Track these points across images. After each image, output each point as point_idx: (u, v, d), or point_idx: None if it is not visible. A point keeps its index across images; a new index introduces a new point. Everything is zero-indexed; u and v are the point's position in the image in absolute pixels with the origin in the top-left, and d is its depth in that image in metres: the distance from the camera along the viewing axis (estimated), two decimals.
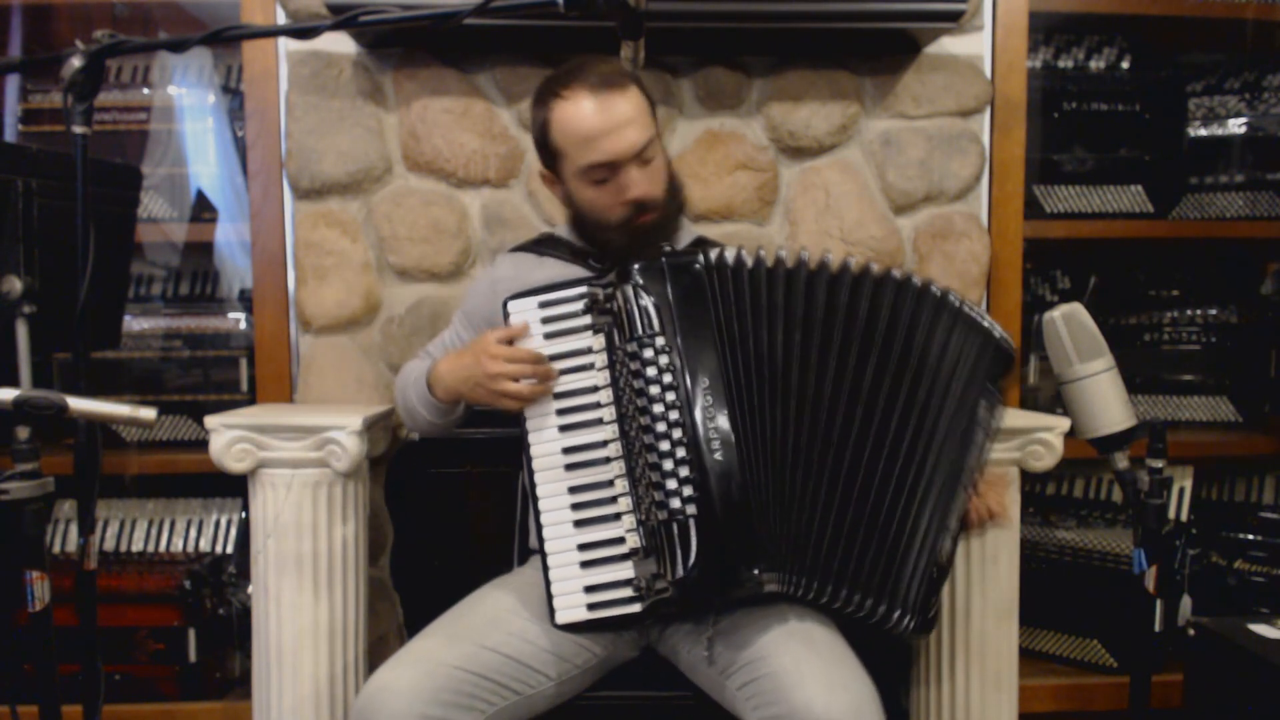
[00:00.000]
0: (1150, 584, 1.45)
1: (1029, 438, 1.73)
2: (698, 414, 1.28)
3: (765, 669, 1.26)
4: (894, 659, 1.85)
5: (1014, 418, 1.78)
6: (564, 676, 1.37)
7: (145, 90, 2.16)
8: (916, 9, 1.81)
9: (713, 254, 1.33)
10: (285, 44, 1.98)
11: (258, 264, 2.02)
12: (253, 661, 1.71)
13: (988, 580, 1.72)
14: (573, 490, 1.35)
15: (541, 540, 1.36)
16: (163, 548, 2.13)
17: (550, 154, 1.50)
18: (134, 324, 2.16)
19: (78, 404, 1.11)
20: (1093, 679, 2.12)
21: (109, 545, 2.13)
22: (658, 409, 1.28)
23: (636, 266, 1.31)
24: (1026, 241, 2.12)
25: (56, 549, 2.12)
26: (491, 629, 1.34)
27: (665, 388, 1.28)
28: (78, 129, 1.16)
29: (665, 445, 1.27)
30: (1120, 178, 2.25)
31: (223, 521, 2.16)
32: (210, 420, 1.65)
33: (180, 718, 2.00)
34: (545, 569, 1.36)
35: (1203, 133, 2.32)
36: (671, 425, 1.28)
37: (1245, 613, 2.00)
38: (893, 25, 1.84)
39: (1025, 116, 2.08)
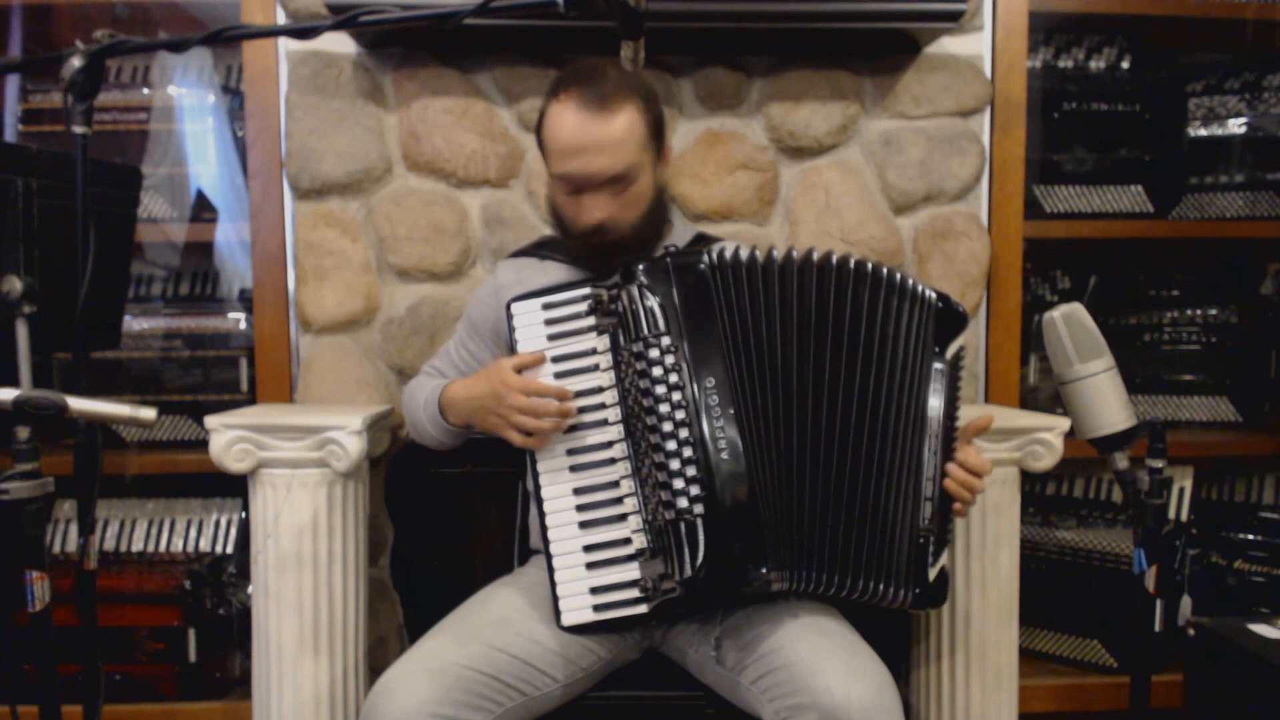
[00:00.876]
0: (1150, 584, 1.45)
1: (1029, 438, 1.73)
2: (703, 414, 1.28)
3: (781, 660, 1.26)
4: (894, 658, 1.85)
5: (1014, 418, 1.78)
6: (570, 679, 1.37)
7: (145, 90, 2.16)
8: (916, 9, 1.81)
9: (716, 252, 1.33)
10: (285, 44, 1.98)
11: (258, 264, 2.02)
12: (253, 661, 1.71)
13: (988, 580, 1.72)
14: (578, 491, 1.36)
15: (546, 541, 1.36)
16: (163, 548, 2.13)
17: (540, 148, 1.52)
18: (134, 324, 2.16)
19: (78, 404, 1.11)
20: (1092, 679, 2.12)
21: (109, 545, 2.13)
22: (664, 409, 1.28)
23: (641, 267, 1.31)
24: (1026, 241, 2.12)
25: (56, 549, 2.12)
26: (500, 629, 1.34)
27: (671, 388, 1.28)
28: (78, 129, 1.16)
29: (672, 445, 1.27)
30: (1120, 178, 2.25)
31: (223, 521, 2.16)
32: (210, 420, 1.65)
33: (180, 718, 2.00)
34: (550, 570, 1.36)
35: (1203, 133, 2.32)
36: (678, 425, 1.28)
37: (1245, 613, 2.00)
38: (893, 25, 1.84)
39: (1025, 116, 2.08)
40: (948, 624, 1.74)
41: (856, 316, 1.32)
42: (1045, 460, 1.73)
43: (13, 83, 2.16)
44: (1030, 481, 2.29)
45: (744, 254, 1.33)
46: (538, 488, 1.37)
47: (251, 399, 2.13)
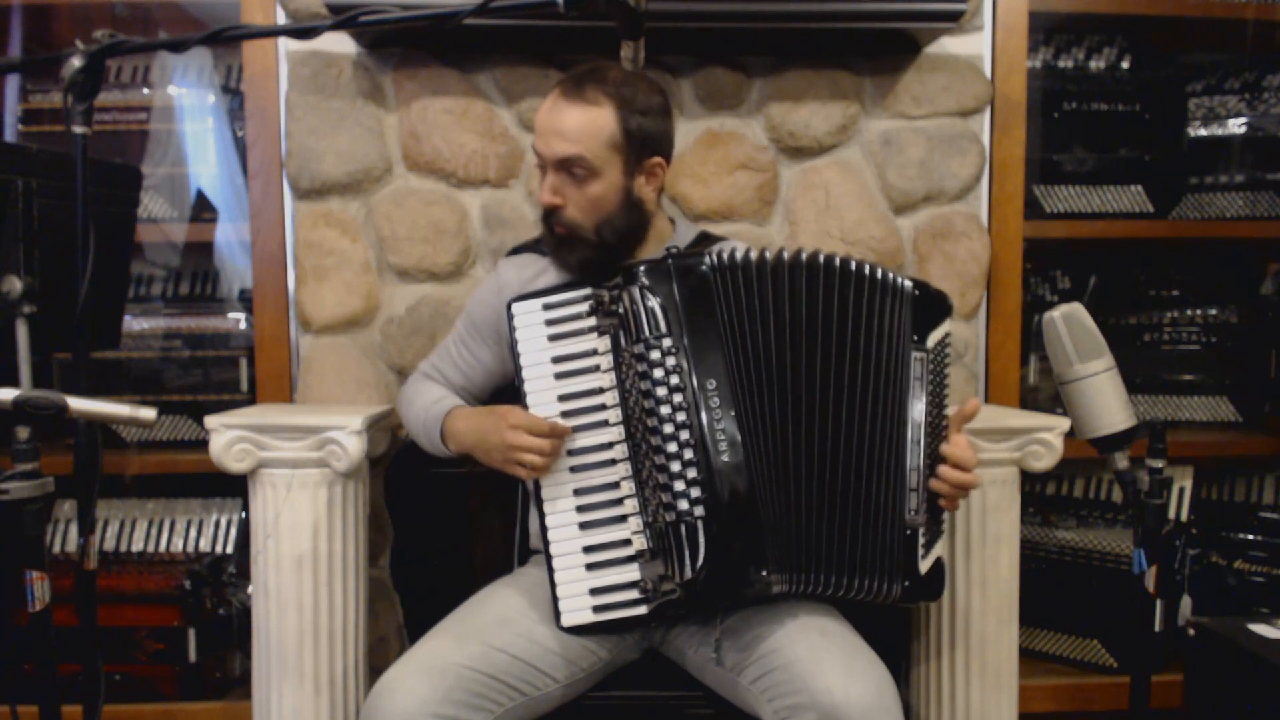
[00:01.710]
0: (1150, 584, 1.45)
1: (1029, 438, 1.72)
2: (704, 415, 1.28)
3: (780, 660, 1.26)
4: (894, 657, 1.85)
5: (1014, 418, 1.78)
6: (570, 679, 1.37)
7: (145, 90, 2.16)
8: (916, 9, 1.81)
9: (717, 253, 1.34)
10: (285, 44, 1.98)
11: (258, 264, 2.02)
12: (253, 661, 1.71)
13: (988, 580, 1.72)
14: (578, 492, 1.36)
15: (546, 542, 1.36)
16: (163, 548, 2.13)
17: None
18: (134, 324, 2.16)
19: (78, 404, 1.11)
20: (1093, 679, 2.12)
21: (109, 545, 2.13)
22: (665, 410, 1.28)
23: (642, 268, 1.32)
24: (1026, 241, 2.12)
25: (56, 549, 2.12)
26: (500, 629, 1.34)
27: (672, 389, 1.28)
28: (78, 129, 1.16)
29: (673, 447, 1.28)
30: (1120, 178, 2.25)
31: (223, 521, 2.16)
32: (210, 420, 1.65)
33: (180, 718, 2.00)
34: (550, 571, 1.36)
35: (1203, 133, 2.32)
36: (679, 427, 1.28)
37: (1245, 613, 2.00)
38: (893, 25, 1.84)
39: (1025, 116, 2.08)
40: (948, 623, 1.74)
41: (840, 313, 1.32)
42: (1045, 460, 1.73)
43: (13, 83, 2.16)
44: (1030, 481, 2.29)
45: (741, 255, 1.34)
46: (538, 488, 1.38)
47: (251, 399, 2.13)
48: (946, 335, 1.38)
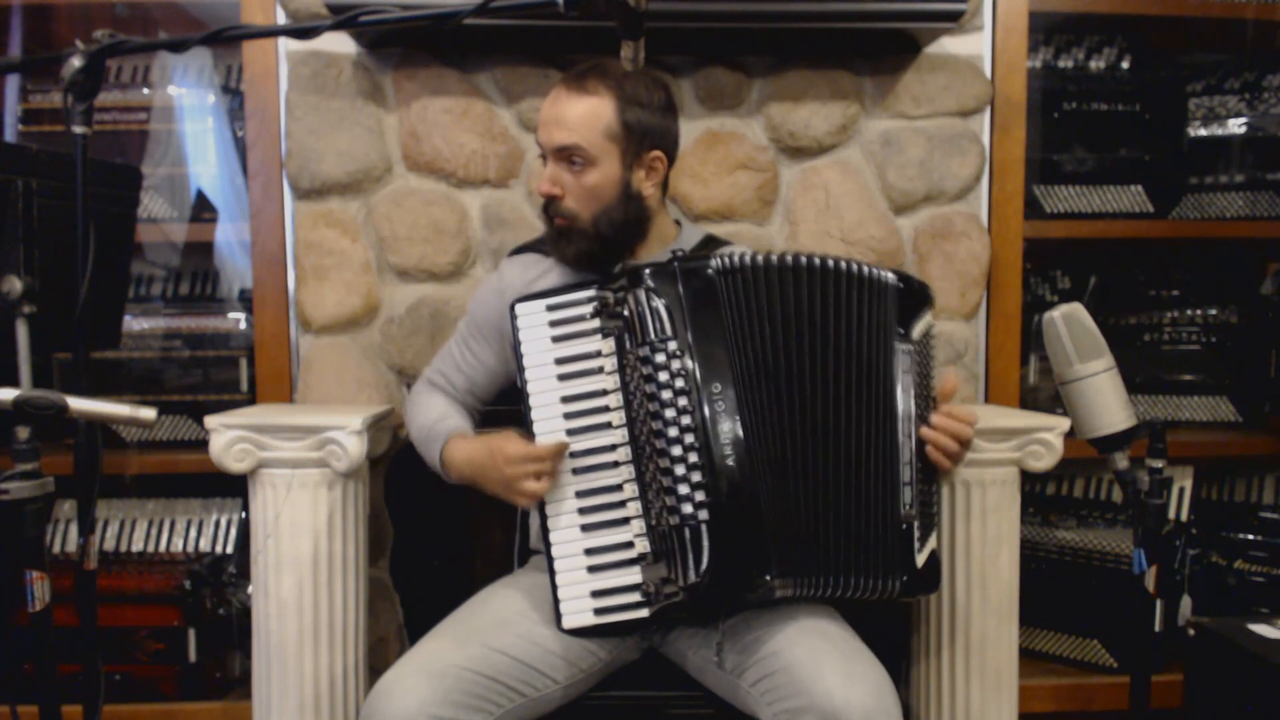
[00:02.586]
0: (1150, 584, 1.44)
1: (1029, 438, 1.73)
2: (709, 418, 1.28)
3: (780, 663, 1.26)
4: (893, 658, 1.85)
5: (1014, 418, 1.78)
6: (570, 680, 1.37)
7: (145, 90, 2.16)
8: (916, 9, 1.81)
9: (724, 256, 1.34)
10: (285, 44, 1.98)
11: (258, 264, 2.02)
12: (253, 661, 1.71)
13: (988, 580, 1.72)
14: (580, 494, 1.35)
15: (548, 544, 1.36)
16: (163, 548, 2.13)
17: None
18: (134, 324, 2.16)
19: (78, 404, 1.11)
20: (1093, 679, 2.12)
21: (109, 545, 2.13)
22: (670, 414, 1.28)
23: (648, 270, 1.32)
24: (1026, 241, 2.12)
25: (56, 549, 2.12)
26: (500, 630, 1.34)
27: (678, 392, 1.29)
28: (78, 129, 1.16)
29: (677, 450, 1.28)
30: (1120, 178, 2.25)
31: (223, 521, 2.16)
32: (210, 420, 1.65)
33: (180, 718, 2.00)
34: (551, 573, 1.36)
35: (1203, 133, 2.32)
36: (684, 430, 1.28)
37: (1245, 613, 2.00)
38: (893, 25, 1.84)
39: (1025, 116, 2.08)
40: (948, 623, 1.74)
41: (826, 312, 1.33)
42: (1045, 460, 1.73)
43: (13, 83, 2.16)
44: (1030, 481, 2.29)
45: (742, 259, 1.34)
46: None
47: (251, 399, 2.13)
48: (931, 325, 1.38)
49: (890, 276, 1.35)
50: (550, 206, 1.50)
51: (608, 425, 1.35)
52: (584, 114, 1.44)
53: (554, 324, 1.37)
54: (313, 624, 1.66)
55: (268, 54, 1.98)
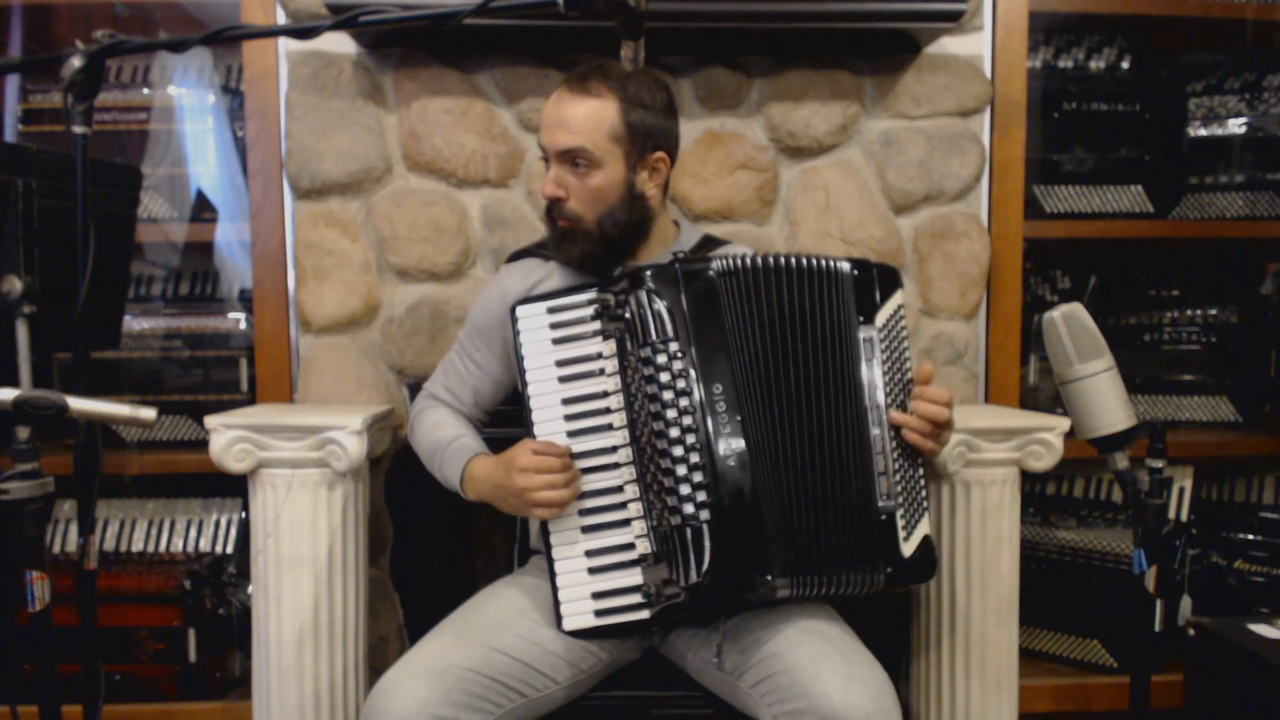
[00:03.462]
0: (1150, 584, 1.45)
1: (1029, 438, 1.73)
2: (710, 419, 1.28)
3: (780, 665, 1.26)
4: (893, 658, 1.85)
5: (1014, 418, 1.78)
6: (570, 680, 1.37)
7: (145, 90, 2.16)
8: (916, 9, 1.81)
9: (725, 259, 1.34)
10: (285, 44, 1.98)
11: (258, 264, 2.02)
12: (253, 661, 1.71)
13: (988, 580, 1.72)
14: (581, 496, 1.35)
15: (548, 546, 1.36)
16: (163, 548, 2.13)
17: None
18: (134, 324, 2.16)
19: (78, 404, 1.11)
20: (1093, 679, 2.12)
21: (109, 545, 2.13)
22: (671, 414, 1.28)
23: (649, 272, 1.32)
24: (1026, 241, 2.12)
25: (56, 549, 2.12)
26: (501, 630, 1.34)
27: (679, 393, 1.29)
28: (78, 129, 1.16)
29: (679, 450, 1.28)
30: (1120, 178, 2.25)
31: (223, 521, 2.16)
32: (210, 420, 1.65)
33: (180, 718, 2.00)
34: (552, 575, 1.36)
35: (1203, 133, 2.32)
36: (685, 431, 1.28)
37: (1245, 613, 2.00)
38: (893, 25, 1.84)
39: (1025, 116, 2.08)
40: (948, 623, 1.74)
41: (804, 310, 1.34)
42: (1045, 460, 1.73)
43: (13, 83, 2.16)
44: (1030, 481, 2.29)
45: (742, 261, 1.34)
46: None
47: (251, 399, 2.13)
48: (899, 309, 1.37)
49: (843, 265, 1.35)
50: (554, 209, 1.50)
51: (608, 427, 1.35)
52: (587, 115, 1.44)
53: (555, 326, 1.38)
54: (313, 624, 1.66)
55: (268, 54, 1.98)
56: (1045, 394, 2.29)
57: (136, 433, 2.17)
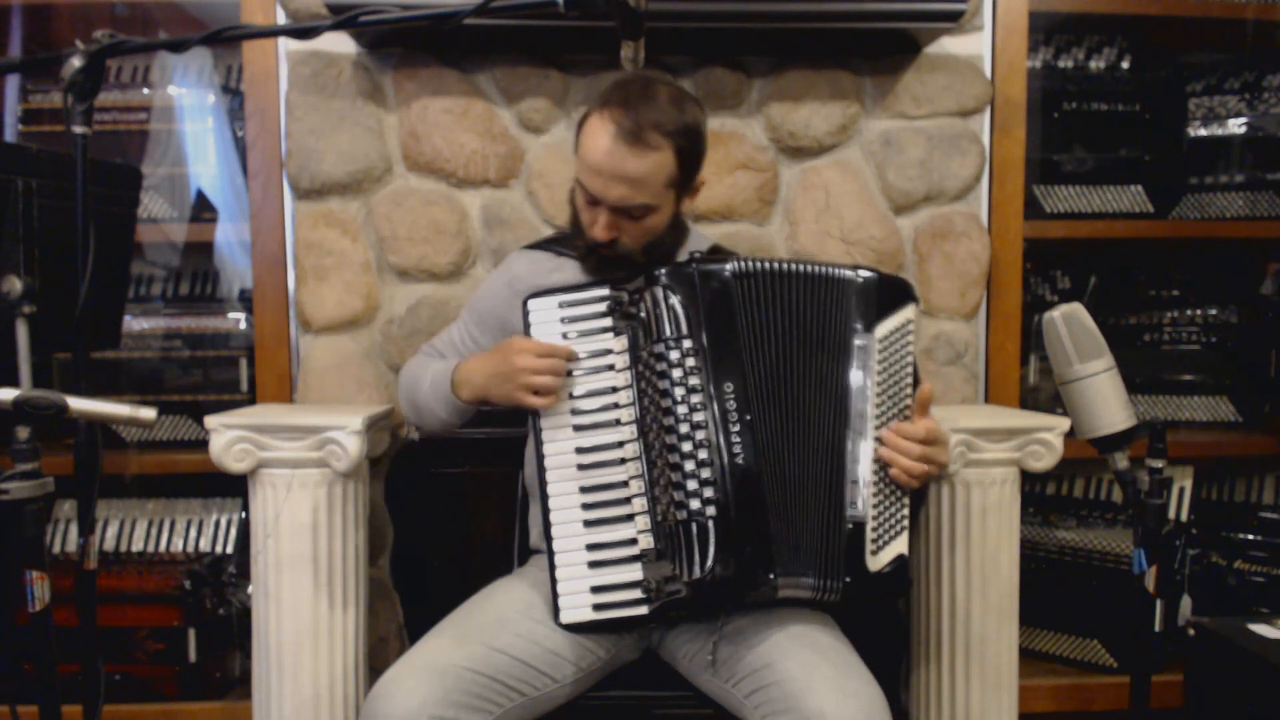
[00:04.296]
0: (1150, 584, 1.44)
1: (1029, 438, 1.73)
2: (720, 418, 1.29)
3: (773, 676, 1.26)
4: (893, 659, 1.85)
5: (1014, 418, 1.78)
6: (569, 679, 1.37)
7: (145, 90, 2.16)
8: (916, 9, 1.81)
9: (741, 260, 1.35)
10: (285, 44, 1.98)
11: (258, 264, 2.02)
12: (253, 661, 1.71)
13: (988, 580, 1.72)
14: (584, 490, 1.36)
15: (549, 539, 1.36)
16: (163, 548, 2.13)
17: (576, 144, 1.49)
18: (134, 324, 2.16)
19: (78, 404, 1.11)
20: (1093, 679, 2.12)
21: (109, 545, 2.13)
22: (682, 410, 1.29)
23: (664, 271, 1.33)
24: (1026, 241, 2.12)
25: (56, 549, 2.12)
26: (500, 629, 1.34)
27: (690, 390, 1.29)
28: (78, 129, 1.16)
29: (687, 447, 1.28)
30: (1120, 178, 2.25)
31: (223, 521, 2.16)
32: (210, 420, 1.65)
33: (180, 718, 2.00)
34: (551, 568, 1.36)
35: (1203, 133, 2.32)
36: (695, 427, 1.29)
37: (1245, 613, 2.00)
38: (893, 25, 1.84)
39: (1025, 116, 2.08)
40: (947, 624, 1.74)
41: (809, 314, 1.34)
42: (1045, 460, 1.73)
43: (13, 83, 2.16)
44: (1030, 481, 2.29)
45: (759, 263, 1.35)
46: (544, 484, 1.37)
47: (251, 399, 2.13)
48: (906, 324, 1.36)
49: (847, 273, 1.35)
50: (604, 247, 1.47)
51: (615, 423, 1.36)
52: (649, 172, 1.40)
53: (566, 320, 1.38)
54: (313, 624, 1.66)
55: (268, 54, 1.98)
56: (1045, 394, 2.29)
57: (136, 433, 2.17)
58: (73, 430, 1.22)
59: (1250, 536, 2.22)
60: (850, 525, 1.31)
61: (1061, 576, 2.14)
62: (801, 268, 1.36)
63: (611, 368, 1.36)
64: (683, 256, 1.48)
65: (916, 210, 2.07)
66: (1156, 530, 1.42)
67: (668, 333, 1.31)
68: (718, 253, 1.64)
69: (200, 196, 2.19)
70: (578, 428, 1.36)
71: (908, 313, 1.37)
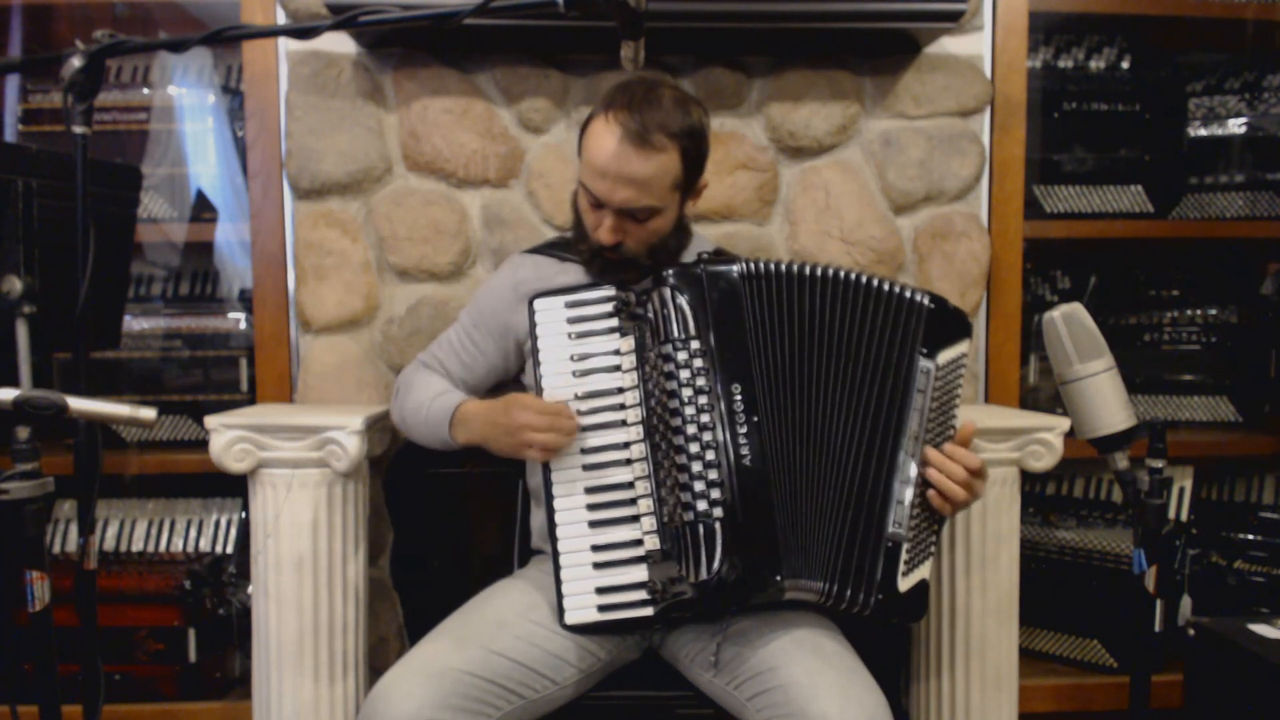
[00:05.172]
0: (1150, 584, 1.45)
1: (1029, 438, 1.73)
2: (727, 418, 1.29)
3: (777, 680, 1.26)
4: (894, 659, 1.85)
5: (1014, 418, 1.78)
6: (569, 681, 1.37)
7: (145, 90, 2.16)
8: (916, 9, 1.81)
9: (749, 261, 1.34)
10: (285, 44, 1.98)
11: (258, 264, 2.02)
12: (253, 661, 1.71)
13: (988, 580, 1.72)
14: (589, 490, 1.36)
15: (554, 539, 1.36)
16: (163, 548, 2.13)
17: (579, 147, 1.50)
18: (134, 324, 2.16)
19: (78, 404, 1.11)
20: (1093, 679, 2.12)
21: (109, 545, 2.13)
22: (689, 411, 1.29)
23: (671, 271, 1.33)
24: (1026, 241, 2.12)
25: (56, 549, 2.12)
26: (499, 632, 1.34)
27: (698, 390, 1.29)
28: (78, 129, 1.16)
29: (695, 448, 1.28)
30: (1120, 178, 2.25)
31: (223, 521, 2.16)
32: (210, 420, 1.65)
33: (180, 718, 2.00)
34: (556, 569, 1.36)
35: (1203, 133, 2.32)
36: (702, 428, 1.28)
37: (1245, 613, 2.00)
38: (893, 25, 1.84)
39: (1025, 116, 2.08)
40: (948, 624, 1.74)
41: (847, 324, 1.33)
42: (1045, 460, 1.73)
43: (13, 83, 2.16)
44: (1030, 481, 2.29)
45: (767, 264, 1.34)
46: (548, 485, 1.37)
47: (251, 399, 2.13)
48: (961, 356, 1.36)
49: (923, 298, 1.34)
50: (608, 250, 1.47)
51: (622, 423, 1.36)
52: (655, 175, 1.40)
53: (572, 320, 1.38)
54: (313, 624, 1.66)
55: (268, 54, 1.98)
56: (1045, 394, 2.29)
57: (136, 433, 2.17)
58: (73, 430, 1.22)
59: (1250, 536, 2.22)
60: (890, 544, 1.30)
61: (1061, 576, 2.14)
62: (818, 271, 1.34)
63: (618, 368, 1.36)
64: (688, 259, 1.48)
65: (916, 210, 2.07)
66: (1156, 530, 1.42)
67: (675, 333, 1.31)
68: (720, 256, 1.64)
69: (200, 196, 2.19)
70: (584, 428, 1.36)
71: (964, 346, 1.37)
